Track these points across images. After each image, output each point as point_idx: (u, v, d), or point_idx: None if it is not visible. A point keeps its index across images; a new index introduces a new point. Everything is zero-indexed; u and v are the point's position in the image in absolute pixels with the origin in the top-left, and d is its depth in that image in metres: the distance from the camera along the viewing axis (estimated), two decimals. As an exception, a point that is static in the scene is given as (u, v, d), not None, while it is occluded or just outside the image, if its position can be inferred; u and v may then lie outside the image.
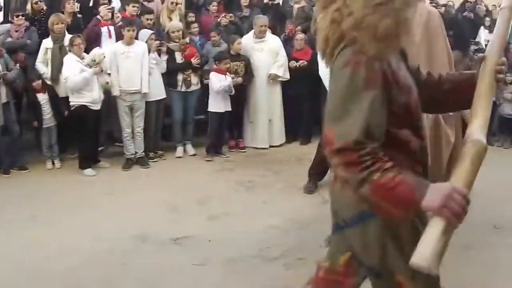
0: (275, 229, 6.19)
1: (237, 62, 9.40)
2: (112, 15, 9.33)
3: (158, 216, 6.62)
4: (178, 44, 9.08)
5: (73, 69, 8.09)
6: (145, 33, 9.03)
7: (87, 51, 8.48)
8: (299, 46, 9.91)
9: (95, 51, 8.44)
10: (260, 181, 7.96)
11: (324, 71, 6.97)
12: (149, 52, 8.74)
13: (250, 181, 7.90)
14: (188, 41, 9.32)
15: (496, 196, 7.05)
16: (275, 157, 9.27)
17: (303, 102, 9.96)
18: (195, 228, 6.19)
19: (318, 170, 7.44)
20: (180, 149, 9.39)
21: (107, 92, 8.62)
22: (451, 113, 5.07)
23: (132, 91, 8.55)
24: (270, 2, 11.78)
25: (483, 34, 13.06)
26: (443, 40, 5.24)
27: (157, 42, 9.02)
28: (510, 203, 6.83)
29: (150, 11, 9.75)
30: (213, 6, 11.11)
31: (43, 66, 8.68)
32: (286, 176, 8.17)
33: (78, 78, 8.09)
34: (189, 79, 9.12)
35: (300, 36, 10.00)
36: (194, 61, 9.04)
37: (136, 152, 8.76)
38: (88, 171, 8.33)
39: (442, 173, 5.08)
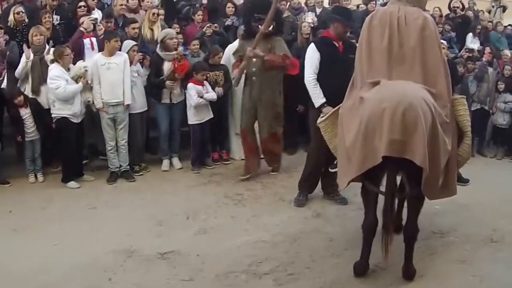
0: (265, 243, 6.05)
1: (217, 72, 9.23)
2: (94, 26, 9.17)
3: (144, 230, 6.45)
4: (170, 54, 8.88)
5: (61, 79, 7.93)
6: (128, 43, 8.82)
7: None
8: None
9: (78, 64, 8.30)
10: (248, 194, 7.80)
11: (308, 79, 6.89)
12: (130, 63, 8.56)
13: (238, 194, 7.74)
14: (182, 53, 9.26)
15: (492, 209, 7.04)
16: (263, 169, 9.00)
17: (289, 112, 9.78)
18: (182, 243, 6.04)
19: (308, 183, 7.34)
20: (166, 162, 9.19)
21: (89, 106, 8.47)
22: (448, 121, 5.01)
23: (114, 103, 8.34)
24: None
25: (471, 41, 12.98)
26: (437, 46, 5.16)
27: (140, 54, 8.83)
28: (507, 216, 6.78)
29: (135, 21, 9.52)
30: (198, 15, 10.95)
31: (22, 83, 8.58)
32: (275, 189, 8.02)
33: (72, 88, 8.00)
34: (174, 91, 8.93)
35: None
36: (179, 76, 8.87)
37: (120, 166, 8.57)
38: (72, 183, 8.14)
39: (438, 181, 5.00)
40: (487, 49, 11.56)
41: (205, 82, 8.93)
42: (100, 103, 8.30)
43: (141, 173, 8.85)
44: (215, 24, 10.61)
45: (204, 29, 10.40)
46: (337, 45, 7.03)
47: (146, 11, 10.41)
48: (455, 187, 5.37)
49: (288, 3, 12.45)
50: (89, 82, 8.28)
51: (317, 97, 6.89)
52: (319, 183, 7.48)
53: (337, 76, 6.65)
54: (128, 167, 8.66)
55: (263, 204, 7.40)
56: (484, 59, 11.31)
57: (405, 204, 5.43)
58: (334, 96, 6.18)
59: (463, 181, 5.74)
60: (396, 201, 5.25)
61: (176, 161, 9.28)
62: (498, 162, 10.53)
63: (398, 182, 5.10)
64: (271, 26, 8.14)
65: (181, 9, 11.64)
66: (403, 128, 4.53)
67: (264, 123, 8.44)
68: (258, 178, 8.49)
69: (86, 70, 8.22)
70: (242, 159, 9.17)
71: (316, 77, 6.94)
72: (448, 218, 6.73)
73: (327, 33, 7.29)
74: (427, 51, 5.06)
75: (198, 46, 9.80)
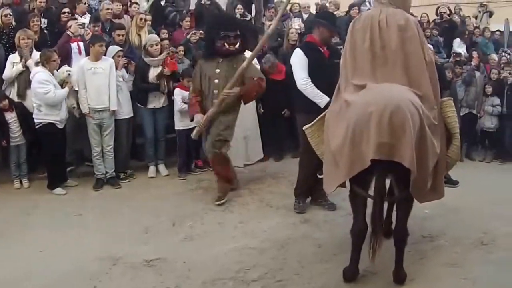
0: (253, 250, 5.95)
1: None
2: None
3: (130, 237, 6.35)
4: (155, 59, 8.80)
5: (50, 84, 7.85)
6: (113, 49, 8.76)
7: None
8: (271, 70, 9.73)
9: (61, 70, 8.23)
10: (236, 200, 7.69)
11: (303, 83, 6.80)
12: (116, 68, 8.51)
13: (226, 200, 7.59)
14: (175, 50, 9.31)
15: (481, 212, 7.02)
16: (250, 175, 9.00)
17: (276, 118, 9.82)
18: (169, 250, 5.94)
19: (304, 189, 7.26)
20: (152, 169, 9.10)
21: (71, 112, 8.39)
22: (436, 123, 4.96)
23: (100, 109, 8.26)
24: (242, 18, 11.61)
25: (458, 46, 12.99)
26: (420, 47, 5.07)
27: (124, 59, 8.76)
28: (497, 219, 6.74)
29: (122, 27, 9.45)
30: (186, 22, 10.95)
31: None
32: (262, 195, 7.92)
33: (62, 92, 7.95)
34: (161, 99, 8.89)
35: (265, 66, 9.77)
36: (166, 71, 8.77)
37: (106, 172, 8.47)
38: (58, 190, 8.05)
39: (427, 183, 4.95)
40: (475, 54, 11.59)
41: None
42: (86, 108, 8.22)
43: (127, 180, 8.76)
44: (201, 31, 10.54)
45: (189, 36, 10.38)
46: (322, 50, 6.97)
47: (133, 16, 10.40)
48: (443, 190, 5.34)
49: (276, 10, 12.42)
50: (74, 87, 8.20)
51: (320, 97, 6.71)
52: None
53: (323, 82, 6.65)
54: (114, 173, 8.56)
55: (250, 211, 7.31)
56: (472, 63, 11.33)
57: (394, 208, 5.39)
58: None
59: (452, 183, 5.68)
60: (386, 205, 5.21)
61: (162, 167, 9.20)
62: (487, 166, 10.59)
63: (387, 185, 5.05)
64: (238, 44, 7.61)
65: (168, 15, 11.60)
66: (391, 131, 4.47)
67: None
68: (245, 184, 8.39)
69: (69, 74, 8.16)
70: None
71: (309, 79, 6.80)
72: (438, 222, 6.68)
73: (311, 38, 7.18)
74: (409, 52, 5.00)
75: (183, 53, 9.78)
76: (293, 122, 8.37)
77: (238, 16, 11.63)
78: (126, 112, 8.72)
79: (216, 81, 7.50)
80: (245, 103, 7.82)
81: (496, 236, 6.24)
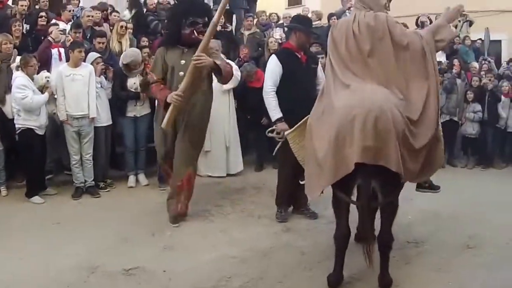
0: (234, 259, 5.82)
1: None
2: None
3: (109, 246, 6.19)
4: (134, 71, 8.69)
5: (28, 89, 7.75)
6: (92, 55, 8.68)
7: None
8: (249, 78, 9.81)
9: (40, 75, 8.12)
10: (217, 210, 7.56)
11: (267, 91, 6.71)
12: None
13: (206, 210, 7.48)
14: None
15: (466, 217, 7.02)
16: (230, 185, 8.93)
17: (255, 126, 9.77)
18: (148, 259, 5.78)
19: (284, 198, 7.19)
20: (132, 179, 8.99)
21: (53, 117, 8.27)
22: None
23: (79, 116, 8.13)
24: (223, 28, 11.61)
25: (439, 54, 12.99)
26: (390, 45, 4.94)
27: (102, 64, 8.65)
28: (481, 224, 6.73)
29: (102, 34, 9.43)
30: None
31: None
32: (243, 205, 7.81)
33: (40, 98, 7.83)
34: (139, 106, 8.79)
35: (243, 74, 9.80)
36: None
37: (85, 181, 8.32)
38: (36, 198, 7.91)
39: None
40: (456, 61, 11.62)
41: None
42: (64, 116, 8.08)
43: (106, 189, 8.63)
44: None
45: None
46: (299, 56, 6.92)
47: (113, 24, 10.42)
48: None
49: (256, 19, 12.39)
50: (54, 92, 8.09)
51: (274, 110, 6.73)
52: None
53: (300, 87, 6.63)
54: (93, 182, 8.43)
55: (231, 220, 7.19)
56: (454, 70, 11.36)
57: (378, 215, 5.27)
58: (297, 107, 6.08)
59: (434, 188, 5.61)
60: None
61: (142, 177, 9.09)
62: (469, 172, 10.60)
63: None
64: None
65: (150, 24, 11.53)
66: (376, 135, 4.42)
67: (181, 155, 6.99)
68: (226, 194, 8.32)
69: (48, 80, 8.04)
70: (208, 176, 9.05)
71: (275, 90, 6.78)
72: (422, 227, 6.64)
73: (288, 44, 7.16)
74: (382, 52, 4.95)
75: None
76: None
77: (219, 27, 11.58)
78: (104, 119, 8.60)
79: (181, 73, 6.64)
80: (223, 82, 7.17)
81: (481, 240, 6.22)
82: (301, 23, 7.11)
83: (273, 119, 6.73)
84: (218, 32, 11.19)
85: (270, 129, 6.73)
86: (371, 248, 4.82)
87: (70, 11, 10.46)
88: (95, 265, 5.60)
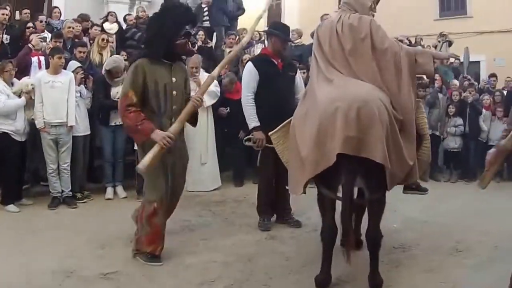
0: (216, 264, 5.62)
1: None
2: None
3: (85, 251, 5.97)
4: (118, 79, 8.55)
5: (2, 94, 7.61)
6: (73, 64, 8.57)
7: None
8: (229, 87, 9.83)
9: (24, 80, 7.98)
10: (198, 220, 7.39)
11: (245, 99, 6.63)
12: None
13: (186, 220, 7.27)
14: None
15: (453, 224, 7.00)
16: (210, 199, 8.77)
17: (235, 142, 9.63)
18: (127, 263, 5.57)
19: (266, 206, 7.04)
20: (110, 190, 8.80)
21: (33, 124, 8.07)
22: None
23: (57, 123, 7.95)
24: (204, 44, 11.68)
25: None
26: (369, 47, 4.93)
27: (81, 73, 8.54)
28: (468, 231, 6.69)
29: (83, 44, 9.45)
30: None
31: None
32: (224, 215, 7.67)
33: (13, 103, 7.68)
34: None
35: (225, 80, 9.86)
36: None
37: (62, 191, 8.09)
38: (11, 207, 7.71)
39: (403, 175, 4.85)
40: (437, 76, 11.69)
41: None
42: (41, 123, 7.88)
43: (83, 200, 8.40)
44: None
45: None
46: (275, 62, 6.87)
47: (93, 38, 10.38)
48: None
49: (237, 38, 12.35)
50: (32, 97, 7.93)
51: (252, 118, 6.69)
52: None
53: (277, 94, 6.60)
54: (71, 193, 8.21)
55: (213, 229, 6.99)
56: (436, 85, 11.41)
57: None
58: (274, 113, 6.03)
59: (422, 190, 5.51)
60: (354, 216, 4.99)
61: (120, 189, 8.91)
62: (453, 186, 10.65)
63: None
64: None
65: (134, 35, 11.47)
66: (358, 126, 4.33)
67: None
68: (206, 206, 8.18)
69: (33, 88, 7.90)
70: (188, 191, 8.86)
71: (253, 97, 6.73)
72: (409, 234, 6.55)
73: (265, 50, 7.20)
74: (362, 53, 4.93)
75: None
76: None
77: (200, 43, 11.55)
78: (82, 129, 8.46)
79: (174, 93, 5.54)
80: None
81: (470, 244, 6.16)
82: (277, 29, 7.09)
83: (250, 127, 6.69)
84: (199, 47, 11.17)
85: (246, 137, 6.68)
86: (350, 243, 4.66)
87: (41, 22, 10.30)
88: (70, 269, 5.36)
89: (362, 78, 4.84)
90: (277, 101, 6.44)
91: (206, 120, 9.34)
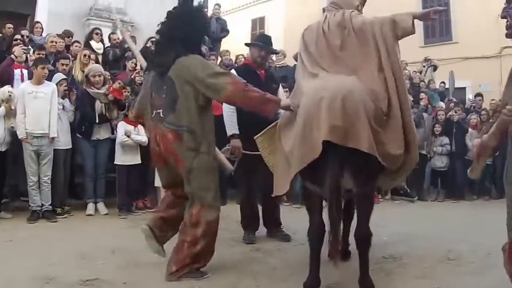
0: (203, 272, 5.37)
1: None
2: (26, 58, 8.92)
3: (65, 260, 5.75)
4: (99, 92, 8.52)
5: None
6: (57, 76, 8.54)
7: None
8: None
9: (2, 89, 7.89)
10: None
11: (227, 106, 6.57)
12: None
13: (166, 235, 7.05)
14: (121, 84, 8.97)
15: (442, 237, 6.95)
16: None
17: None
18: (108, 272, 5.35)
19: (250, 219, 6.94)
20: (91, 206, 8.61)
21: (14, 135, 7.95)
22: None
23: (38, 134, 7.85)
24: None
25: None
26: (355, 40, 4.88)
27: (64, 85, 8.50)
28: (459, 242, 6.62)
29: (66, 57, 9.40)
30: (132, 63, 10.62)
31: None
32: None
33: None
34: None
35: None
36: (111, 96, 8.55)
37: (42, 205, 7.90)
38: (-11, 219, 7.49)
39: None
40: (423, 95, 11.70)
41: (139, 125, 8.59)
42: (23, 133, 7.76)
43: (64, 215, 8.20)
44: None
45: (132, 76, 10.11)
46: (258, 72, 6.85)
47: (75, 55, 10.30)
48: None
49: (220, 59, 12.30)
50: (13, 107, 7.83)
51: (232, 126, 6.61)
52: (261, 221, 7.07)
53: None
54: (50, 207, 8.01)
55: (197, 242, 6.78)
56: (422, 103, 11.42)
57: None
58: (253, 123, 5.84)
59: (410, 196, 5.42)
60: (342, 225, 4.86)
61: (101, 206, 8.73)
62: (440, 204, 10.54)
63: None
64: None
65: (107, 54, 11.51)
66: (343, 115, 4.25)
67: None
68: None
69: (10, 95, 7.79)
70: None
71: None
72: (399, 246, 6.45)
73: (247, 61, 7.22)
74: (351, 46, 4.88)
75: (129, 93, 9.44)
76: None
77: None
78: (64, 142, 8.36)
79: None
80: None
81: (461, 253, 6.07)
82: (257, 39, 7.22)
83: (228, 134, 6.59)
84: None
85: (224, 148, 6.50)
86: (337, 241, 4.43)
87: (23, 36, 10.26)
88: (50, 276, 5.14)
89: (353, 71, 4.76)
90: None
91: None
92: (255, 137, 5.63)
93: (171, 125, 5.00)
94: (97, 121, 8.47)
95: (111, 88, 8.60)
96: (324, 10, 5.48)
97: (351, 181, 4.47)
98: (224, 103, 6.31)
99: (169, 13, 5.36)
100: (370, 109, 4.40)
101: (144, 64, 5.94)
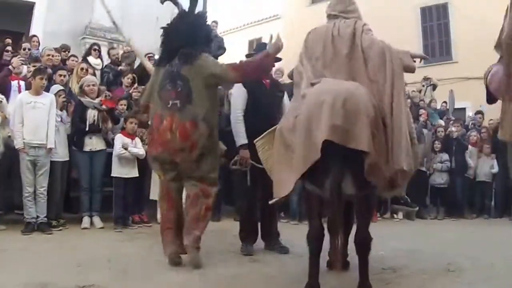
0: (197, 282, 5.34)
1: (143, 129, 8.84)
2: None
3: (60, 267, 5.66)
4: (92, 101, 8.50)
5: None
6: (55, 87, 8.54)
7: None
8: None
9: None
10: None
11: (235, 116, 6.66)
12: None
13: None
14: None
15: (442, 251, 6.91)
16: None
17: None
18: (104, 279, 5.24)
19: (247, 231, 6.87)
20: (86, 220, 8.50)
21: (8, 147, 7.89)
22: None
23: (36, 145, 7.77)
24: None
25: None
26: (360, 52, 4.92)
27: (63, 96, 8.46)
28: (459, 256, 6.55)
29: (63, 68, 9.39)
30: (128, 79, 10.61)
31: None
32: (204, 243, 7.23)
33: None
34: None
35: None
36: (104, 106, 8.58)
37: (37, 217, 7.78)
38: (-18, 231, 7.41)
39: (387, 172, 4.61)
40: (422, 111, 11.67)
41: (136, 137, 8.63)
42: (21, 143, 7.69)
43: (59, 228, 8.07)
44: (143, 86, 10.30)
45: (130, 91, 10.12)
46: (263, 81, 6.88)
47: (71, 69, 10.18)
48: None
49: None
50: (7, 116, 7.80)
51: (240, 136, 6.62)
52: (260, 233, 6.98)
53: (263, 112, 6.53)
54: (46, 219, 7.88)
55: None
56: (421, 119, 11.37)
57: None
58: (259, 132, 5.84)
59: (410, 205, 5.35)
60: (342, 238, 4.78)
61: (97, 220, 8.60)
62: (440, 222, 10.41)
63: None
64: None
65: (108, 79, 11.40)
66: (344, 115, 4.25)
67: None
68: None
69: (0, 101, 7.77)
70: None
71: (243, 114, 6.69)
72: (398, 259, 6.34)
73: None
74: (356, 57, 4.92)
75: (126, 107, 9.51)
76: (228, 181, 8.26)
77: None
78: (61, 154, 8.29)
79: None
80: None
81: (462, 266, 6.00)
82: (258, 48, 7.33)
83: (237, 144, 6.61)
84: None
85: (233, 161, 6.58)
86: (338, 244, 4.48)
87: (24, 49, 10.11)
88: (45, 282, 5.05)
89: (359, 81, 4.75)
90: (264, 120, 6.30)
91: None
92: (254, 141, 5.64)
93: (189, 115, 5.68)
94: (87, 129, 8.43)
95: (103, 100, 8.68)
96: (329, 16, 5.40)
97: (352, 183, 4.41)
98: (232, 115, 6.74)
99: (183, 14, 6.25)
100: (371, 111, 4.37)
101: (151, 68, 6.99)
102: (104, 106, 8.50)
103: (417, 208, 5.34)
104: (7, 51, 9.59)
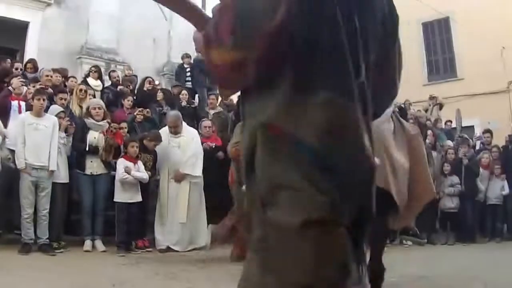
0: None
1: (147, 155, 8.79)
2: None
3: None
4: (97, 124, 8.44)
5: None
6: (55, 108, 8.42)
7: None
8: (207, 134, 9.81)
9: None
10: (182, 271, 6.89)
11: None
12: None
13: (171, 272, 6.78)
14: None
15: (456, 278, 6.68)
16: (197, 254, 8.44)
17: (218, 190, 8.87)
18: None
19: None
20: (88, 243, 8.28)
21: (7, 169, 7.77)
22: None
23: (38, 167, 7.66)
24: (188, 105, 11.68)
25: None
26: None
27: (67, 119, 8.38)
28: (474, 281, 6.37)
29: (63, 91, 9.27)
30: (128, 101, 10.57)
31: None
32: (208, 263, 7.51)
33: None
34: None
35: (207, 123, 10.01)
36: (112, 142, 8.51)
37: (39, 238, 7.62)
38: (-23, 251, 7.23)
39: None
40: (429, 132, 11.49)
41: (139, 161, 8.50)
42: (22, 163, 7.59)
43: (60, 250, 7.88)
44: (147, 109, 10.23)
45: (135, 113, 10.04)
46: None
47: (71, 90, 10.11)
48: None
49: (220, 99, 12.19)
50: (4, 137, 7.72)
51: None
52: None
53: None
54: (48, 240, 7.72)
55: (198, 278, 6.51)
56: (428, 140, 11.17)
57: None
58: None
59: (419, 237, 5.17)
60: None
61: (99, 243, 8.39)
62: (451, 248, 10.13)
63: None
64: None
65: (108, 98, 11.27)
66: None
67: None
68: (192, 261, 7.78)
69: None
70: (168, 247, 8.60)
71: None
72: (410, 285, 6.17)
73: None
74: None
75: (127, 130, 9.43)
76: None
77: (184, 102, 11.58)
78: (62, 176, 8.16)
79: None
80: None
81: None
82: None
83: None
84: (182, 107, 11.00)
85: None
86: None
87: (16, 68, 10.24)
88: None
89: None
90: None
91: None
92: None
93: None
94: (87, 149, 8.34)
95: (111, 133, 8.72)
96: None
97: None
98: None
99: None
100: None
101: None
102: (114, 142, 8.49)
103: (425, 241, 5.20)
104: (16, 68, 9.78)
